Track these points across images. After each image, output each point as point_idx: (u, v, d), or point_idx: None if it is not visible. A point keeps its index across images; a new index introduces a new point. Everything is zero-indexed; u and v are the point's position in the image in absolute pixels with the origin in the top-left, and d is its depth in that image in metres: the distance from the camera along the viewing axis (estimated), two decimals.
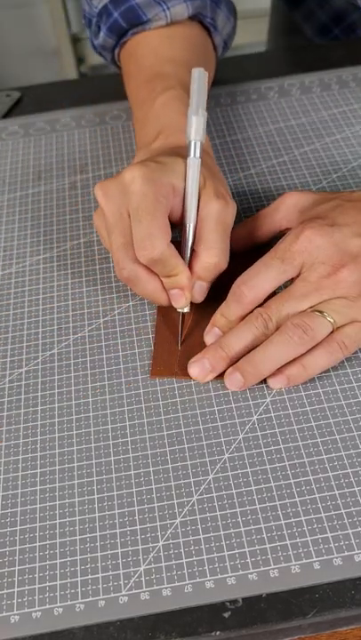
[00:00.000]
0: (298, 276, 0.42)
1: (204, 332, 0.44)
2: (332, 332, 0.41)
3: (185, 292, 0.43)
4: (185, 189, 0.43)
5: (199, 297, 0.44)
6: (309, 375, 0.41)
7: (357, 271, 0.41)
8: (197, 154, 0.43)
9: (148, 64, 0.54)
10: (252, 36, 1.82)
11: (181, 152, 0.45)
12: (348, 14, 0.77)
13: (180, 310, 0.44)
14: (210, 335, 0.43)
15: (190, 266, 0.43)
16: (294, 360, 0.41)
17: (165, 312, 0.46)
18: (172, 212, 0.43)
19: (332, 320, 0.40)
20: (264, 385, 0.42)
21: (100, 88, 0.71)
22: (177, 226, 0.44)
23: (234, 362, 0.41)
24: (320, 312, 0.41)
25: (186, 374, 0.42)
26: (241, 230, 0.48)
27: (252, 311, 0.42)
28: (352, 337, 0.41)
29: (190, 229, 0.43)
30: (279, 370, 0.41)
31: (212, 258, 0.43)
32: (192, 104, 0.44)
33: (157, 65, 0.53)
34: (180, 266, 0.42)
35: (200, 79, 0.45)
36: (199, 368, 0.41)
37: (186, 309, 0.44)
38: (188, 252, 0.43)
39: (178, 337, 0.44)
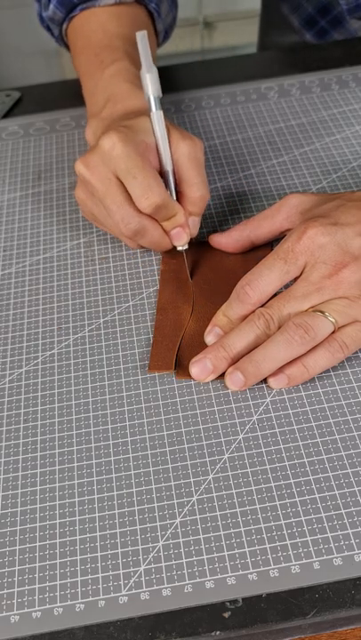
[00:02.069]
0: (300, 276, 0.42)
1: (205, 332, 0.44)
2: (333, 332, 0.41)
3: (185, 229, 0.47)
4: (156, 141, 0.47)
5: (194, 230, 0.48)
6: (310, 375, 0.41)
7: (359, 271, 0.41)
8: (158, 106, 0.47)
9: (96, 39, 0.58)
10: (252, 36, 1.82)
11: (131, 116, 0.48)
12: (334, 7, 0.78)
13: (180, 249, 0.48)
14: (211, 335, 0.43)
15: (180, 205, 0.47)
16: (295, 360, 0.41)
17: (165, 310, 0.47)
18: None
19: (333, 320, 0.41)
20: (264, 385, 0.42)
21: None
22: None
23: (235, 361, 0.41)
24: (321, 312, 0.41)
25: (186, 374, 0.42)
26: (242, 231, 0.49)
27: (253, 311, 0.42)
28: (353, 337, 0.41)
29: (170, 173, 0.47)
30: (280, 369, 0.41)
31: (196, 192, 0.47)
32: (143, 64, 0.48)
33: (106, 39, 0.57)
34: (176, 206, 0.46)
35: (143, 41, 0.48)
36: (200, 368, 0.41)
37: (185, 246, 0.48)
38: (174, 193, 0.48)
39: (179, 337, 0.45)
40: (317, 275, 0.41)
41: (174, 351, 0.44)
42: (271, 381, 0.41)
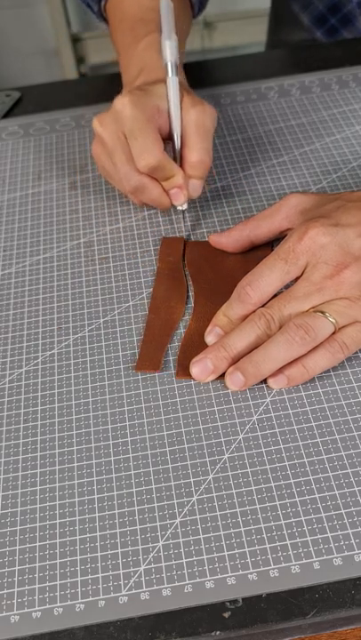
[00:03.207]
0: (301, 276, 0.42)
1: (205, 332, 0.44)
2: (333, 333, 0.41)
3: (182, 190, 0.50)
4: (168, 105, 0.49)
5: (194, 193, 0.50)
6: (310, 376, 0.41)
7: (360, 272, 0.41)
8: (174, 72, 0.49)
9: (131, 12, 0.60)
10: (252, 36, 1.82)
11: (161, 82, 0.50)
12: (344, 4, 0.78)
13: (180, 208, 0.51)
14: (211, 335, 0.43)
15: (182, 168, 0.50)
16: (295, 360, 0.41)
17: (158, 309, 0.47)
18: (160, 129, 0.49)
19: (333, 321, 0.41)
20: (264, 385, 0.42)
21: (100, 88, 0.71)
22: (168, 141, 0.50)
23: (235, 361, 0.41)
24: (322, 312, 0.41)
25: (186, 374, 0.42)
26: (241, 231, 0.49)
27: (254, 311, 0.42)
28: (353, 337, 0.41)
29: (177, 137, 0.49)
30: (280, 370, 0.41)
31: (196, 156, 0.49)
32: (164, 31, 0.50)
33: (140, 13, 0.59)
34: (174, 168, 0.49)
35: (167, 8, 0.51)
36: (201, 368, 0.41)
37: (185, 206, 0.51)
38: (178, 157, 0.50)
39: (168, 337, 0.45)
40: (319, 275, 0.41)
41: (162, 351, 0.44)
42: (271, 382, 0.41)
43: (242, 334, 0.41)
